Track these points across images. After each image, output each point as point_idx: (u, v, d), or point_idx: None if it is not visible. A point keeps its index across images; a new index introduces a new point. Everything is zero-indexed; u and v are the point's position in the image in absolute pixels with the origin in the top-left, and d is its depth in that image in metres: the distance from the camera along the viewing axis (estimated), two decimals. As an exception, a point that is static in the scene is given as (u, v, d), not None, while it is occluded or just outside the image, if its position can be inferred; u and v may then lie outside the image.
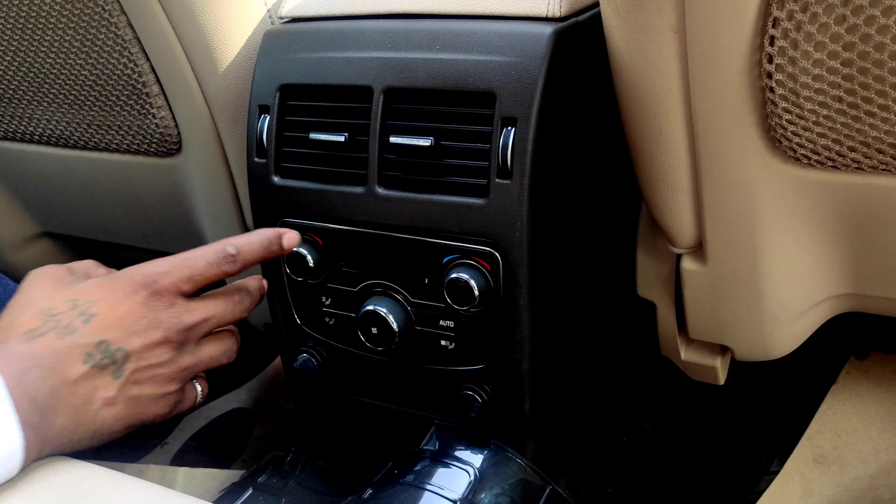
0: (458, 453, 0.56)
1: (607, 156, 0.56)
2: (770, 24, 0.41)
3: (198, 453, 0.89)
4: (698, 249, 0.55)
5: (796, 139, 0.45)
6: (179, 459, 0.90)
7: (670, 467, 0.73)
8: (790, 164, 0.47)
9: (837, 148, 0.45)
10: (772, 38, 0.41)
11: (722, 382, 0.65)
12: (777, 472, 0.72)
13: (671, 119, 0.48)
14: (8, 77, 0.71)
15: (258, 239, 0.49)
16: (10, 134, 0.77)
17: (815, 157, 0.46)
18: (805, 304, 0.56)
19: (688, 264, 0.56)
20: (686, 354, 0.64)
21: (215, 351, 0.48)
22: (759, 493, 0.71)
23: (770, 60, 0.42)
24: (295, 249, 0.55)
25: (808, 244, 0.52)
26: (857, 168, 0.46)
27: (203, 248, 0.48)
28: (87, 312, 0.42)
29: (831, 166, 0.47)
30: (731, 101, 0.45)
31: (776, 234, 0.51)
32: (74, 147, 0.74)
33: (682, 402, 0.76)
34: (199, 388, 0.50)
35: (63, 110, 0.71)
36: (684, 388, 0.69)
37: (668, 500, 0.71)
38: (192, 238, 0.76)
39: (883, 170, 0.46)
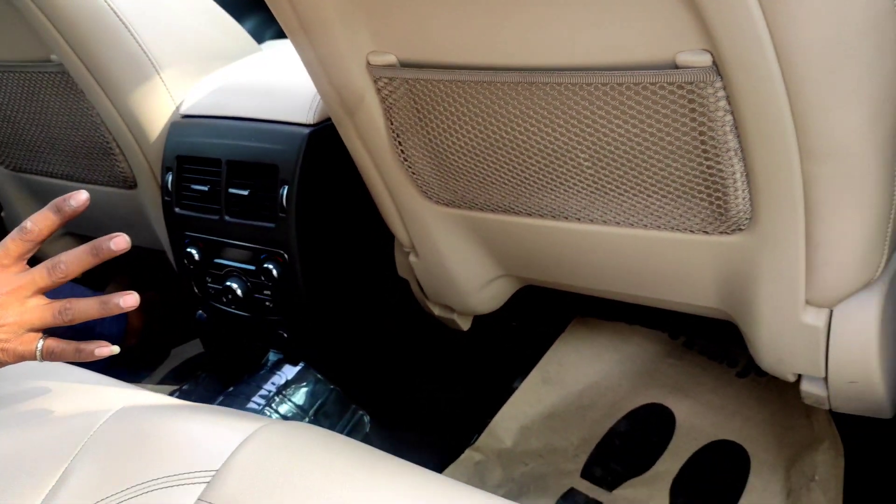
0: (280, 368, 0.97)
1: (364, 198, 0.94)
2: (392, 127, 0.79)
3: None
4: (414, 249, 0.93)
5: (429, 192, 0.83)
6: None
7: (441, 388, 1.13)
8: (437, 204, 0.85)
9: (448, 198, 0.83)
10: (397, 136, 0.79)
11: (465, 329, 1.04)
12: (516, 389, 1.11)
13: (376, 181, 0.86)
14: (34, 139, 1.14)
15: (46, 209, 0.61)
16: (36, 170, 1.20)
17: (443, 202, 0.84)
18: (481, 281, 0.94)
19: (412, 258, 0.94)
20: (436, 311, 1.02)
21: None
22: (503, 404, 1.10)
23: (400, 153, 0.80)
24: (188, 250, 0.96)
25: (465, 247, 0.89)
26: (470, 208, 0.84)
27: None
28: None
29: (455, 207, 0.84)
30: (397, 173, 0.83)
31: (446, 242, 0.89)
32: (74, 181, 1.16)
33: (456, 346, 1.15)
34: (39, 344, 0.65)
35: (65, 159, 1.14)
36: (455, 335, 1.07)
37: (437, 413, 1.10)
38: (154, 238, 1.17)
39: (486, 210, 0.83)
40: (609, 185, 0.71)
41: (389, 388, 1.08)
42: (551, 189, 0.75)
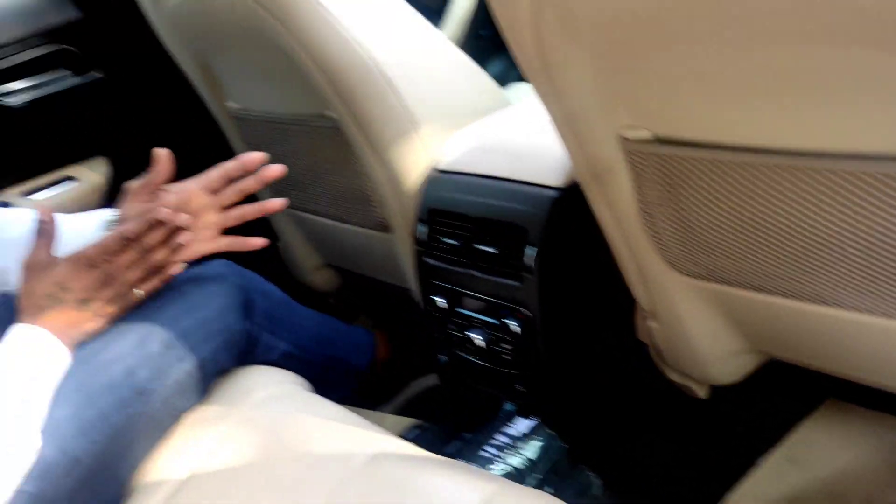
0: (514, 420, 0.99)
1: (606, 261, 0.93)
2: (641, 198, 0.78)
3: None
4: (654, 314, 0.92)
5: (676, 263, 0.82)
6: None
7: (674, 456, 1.08)
8: (683, 275, 0.83)
9: (696, 270, 0.80)
10: (646, 207, 0.79)
11: (702, 396, 1.00)
12: (757, 465, 1.04)
13: (621, 247, 0.86)
14: (306, 182, 1.27)
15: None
16: (305, 208, 1.34)
17: (690, 273, 0.82)
18: (724, 353, 0.90)
19: (651, 322, 0.93)
20: (673, 377, 0.99)
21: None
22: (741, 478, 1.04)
23: (649, 223, 0.80)
24: (434, 298, 1.02)
25: (709, 319, 0.86)
26: (719, 282, 0.81)
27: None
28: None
29: (702, 279, 0.82)
30: (643, 242, 0.82)
31: (689, 312, 0.87)
32: (337, 221, 1.28)
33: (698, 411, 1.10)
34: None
35: (330, 201, 1.25)
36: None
37: (669, 481, 1.06)
38: (403, 277, 1.25)
39: (736, 286, 0.80)
40: (883, 277, 0.65)
41: (623, 452, 1.07)
42: (813, 274, 0.70)
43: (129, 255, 0.85)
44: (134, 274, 0.86)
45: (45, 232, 0.86)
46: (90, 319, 0.84)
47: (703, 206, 0.72)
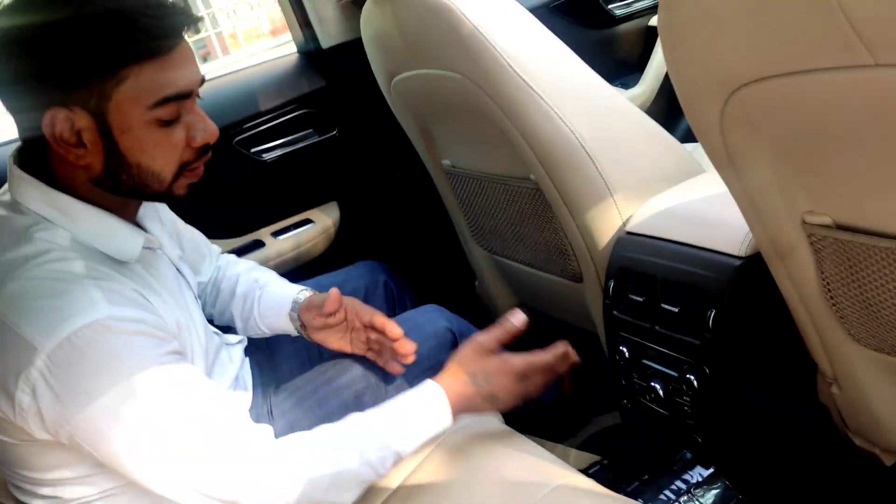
0: (692, 468, 1.06)
1: (788, 327, 0.98)
2: (822, 276, 0.84)
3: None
4: (835, 381, 0.95)
5: (858, 336, 0.86)
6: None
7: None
8: (865, 348, 0.87)
9: (879, 345, 0.84)
10: (827, 284, 0.84)
11: (888, 465, 1.01)
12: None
13: (802, 317, 0.91)
14: (506, 232, 1.41)
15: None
16: (504, 255, 1.48)
17: (873, 347, 0.85)
18: (909, 425, 0.92)
19: (833, 389, 0.96)
20: (856, 442, 1.02)
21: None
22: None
23: (830, 298, 0.85)
24: (619, 348, 1.12)
25: (893, 390, 0.89)
26: (899, 355, 0.84)
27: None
28: None
29: (886, 353, 0.85)
30: (825, 314, 0.87)
31: (872, 383, 0.90)
32: (533, 268, 1.41)
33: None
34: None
35: (528, 251, 1.38)
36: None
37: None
38: (590, 322, 1.36)
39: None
40: None
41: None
42: None
43: (546, 376, 1.00)
44: (542, 386, 1.00)
45: (505, 329, 1.01)
46: (484, 406, 0.96)
47: (884, 288, 0.77)
